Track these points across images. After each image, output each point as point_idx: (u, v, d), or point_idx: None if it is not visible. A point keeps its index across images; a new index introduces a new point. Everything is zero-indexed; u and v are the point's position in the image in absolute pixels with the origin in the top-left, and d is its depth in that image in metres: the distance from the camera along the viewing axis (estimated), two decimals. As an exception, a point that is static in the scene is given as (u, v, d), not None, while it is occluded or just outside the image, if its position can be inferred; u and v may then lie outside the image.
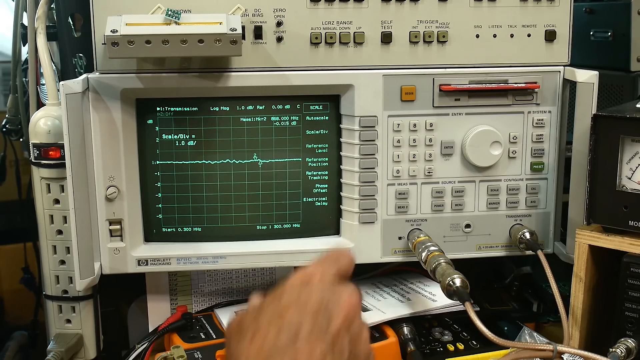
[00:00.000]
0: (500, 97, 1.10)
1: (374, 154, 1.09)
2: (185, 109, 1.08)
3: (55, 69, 1.15)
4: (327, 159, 1.12)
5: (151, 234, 1.11)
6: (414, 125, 1.09)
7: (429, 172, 1.11)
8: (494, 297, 1.25)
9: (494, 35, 1.09)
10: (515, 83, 1.09)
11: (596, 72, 1.06)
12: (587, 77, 1.06)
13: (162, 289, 1.19)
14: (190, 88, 1.05)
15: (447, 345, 1.08)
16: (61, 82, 0.98)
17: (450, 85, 1.08)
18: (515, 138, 1.11)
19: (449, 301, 1.01)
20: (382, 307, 1.10)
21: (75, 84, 0.99)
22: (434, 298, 1.12)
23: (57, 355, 1.07)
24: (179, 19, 0.98)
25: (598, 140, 0.98)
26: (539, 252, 1.06)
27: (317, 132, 1.11)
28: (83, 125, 1.02)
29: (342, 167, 1.11)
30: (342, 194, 1.12)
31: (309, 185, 1.12)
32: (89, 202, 1.04)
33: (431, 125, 1.09)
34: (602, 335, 1.03)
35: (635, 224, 0.96)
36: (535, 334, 1.08)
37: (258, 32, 1.05)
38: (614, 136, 0.97)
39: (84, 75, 1.02)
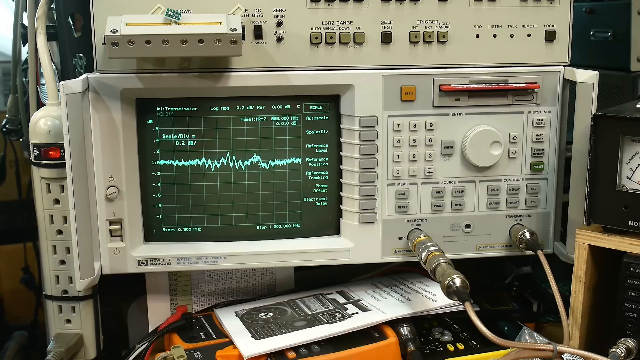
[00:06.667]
0: (500, 97, 1.10)
1: (374, 154, 1.09)
2: (185, 109, 1.08)
3: (55, 69, 1.15)
4: (327, 159, 1.12)
5: (151, 234, 1.11)
6: (414, 125, 1.09)
7: (429, 172, 1.10)
8: (494, 297, 1.25)
9: (494, 35, 1.09)
10: (515, 83, 1.09)
11: (596, 72, 1.06)
12: (587, 77, 1.06)
13: (162, 289, 1.19)
14: (190, 88, 1.05)
15: (447, 345, 1.08)
16: (61, 82, 0.98)
17: (450, 85, 1.08)
18: (515, 138, 1.11)
19: (449, 301, 1.00)
20: (382, 307, 1.10)
21: (75, 84, 0.99)
22: (434, 298, 1.12)
23: (57, 355, 1.07)
24: (179, 19, 0.99)
25: (598, 140, 0.98)
26: (539, 252, 1.06)
27: (317, 132, 1.11)
28: (83, 125, 1.02)
29: (342, 167, 1.11)
30: (342, 194, 1.12)
31: (309, 185, 1.12)
32: (89, 202, 1.04)
33: (431, 125, 1.09)
34: (602, 335, 1.03)
35: (635, 224, 0.96)
36: (535, 334, 1.08)
37: (258, 32, 1.05)
38: (614, 136, 0.97)
39: (84, 75, 1.02)
